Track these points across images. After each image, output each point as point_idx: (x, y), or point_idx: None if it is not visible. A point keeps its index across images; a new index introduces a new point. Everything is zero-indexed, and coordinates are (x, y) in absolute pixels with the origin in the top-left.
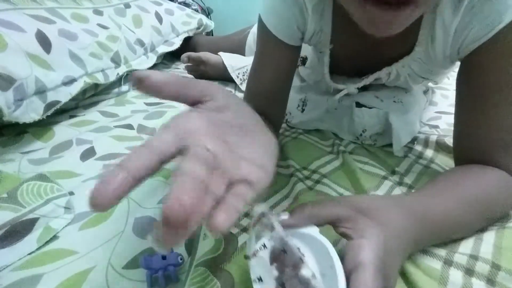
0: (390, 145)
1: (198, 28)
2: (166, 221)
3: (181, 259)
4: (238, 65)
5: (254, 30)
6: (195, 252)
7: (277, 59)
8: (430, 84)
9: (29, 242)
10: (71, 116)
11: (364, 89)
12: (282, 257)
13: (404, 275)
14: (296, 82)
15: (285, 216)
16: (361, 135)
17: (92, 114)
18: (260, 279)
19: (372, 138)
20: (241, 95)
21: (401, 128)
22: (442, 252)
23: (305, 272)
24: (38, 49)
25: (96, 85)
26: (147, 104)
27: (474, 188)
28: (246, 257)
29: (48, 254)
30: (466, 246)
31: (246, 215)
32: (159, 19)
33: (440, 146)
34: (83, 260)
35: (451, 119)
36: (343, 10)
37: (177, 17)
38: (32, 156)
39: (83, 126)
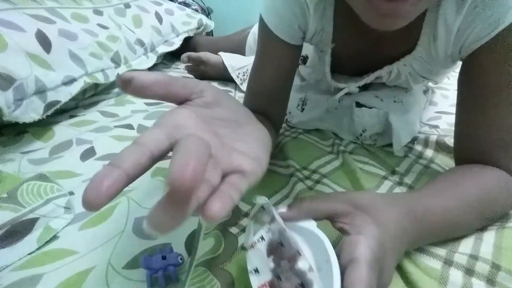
0: (390, 145)
1: (198, 28)
2: (172, 189)
3: (181, 259)
4: (238, 65)
5: (254, 30)
6: (195, 252)
7: (278, 58)
8: (430, 84)
9: (29, 242)
10: (71, 116)
11: (364, 88)
12: (279, 249)
13: (404, 275)
14: (296, 81)
15: (283, 209)
16: (361, 135)
17: (92, 114)
18: (256, 271)
19: (372, 138)
20: (241, 95)
21: (401, 128)
22: (442, 252)
23: (302, 264)
24: (38, 49)
25: (96, 85)
26: (147, 104)
27: (474, 188)
28: (244, 248)
29: (48, 254)
30: (466, 246)
31: (246, 215)
32: (159, 19)
33: (440, 146)
34: (83, 260)
35: (451, 119)
36: (344, 8)
37: (177, 17)
38: (32, 156)
39: (83, 126)
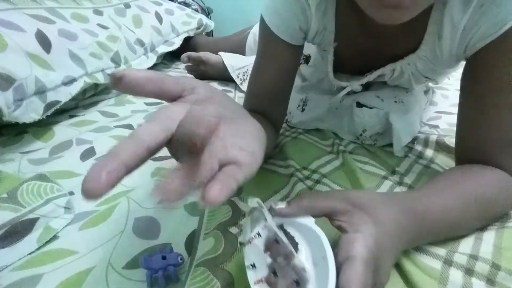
0: (390, 145)
1: (198, 28)
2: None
3: (181, 259)
4: (238, 65)
5: (254, 30)
6: (195, 252)
7: (279, 58)
8: (430, 84)
9: (29, 242)
10: (71, 116)
11: (366, 88)
12: (275, 246)
13: (404, 275)
14: (297, 82)
15: (282, 205)
16: (361, 135)
17: (92, 114)
18: (253, 266)
19: (372, 138)
20: (241, 95)
21: (401, 128)
22: (442, 252)
23: (298, 261)
24: (38, 49)
25: (96, 85)
26: (147, 104)
27: (473, 188)
28: (241, 244)
29: (48, 254)
30: (466, 246)
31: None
32: (159, 19)
33: (440, 146)
34: (83, 260)
35: (451, 119)
36: (346, 7)
37: (177, 17)
38: (32, 156)
39: (83, 126)
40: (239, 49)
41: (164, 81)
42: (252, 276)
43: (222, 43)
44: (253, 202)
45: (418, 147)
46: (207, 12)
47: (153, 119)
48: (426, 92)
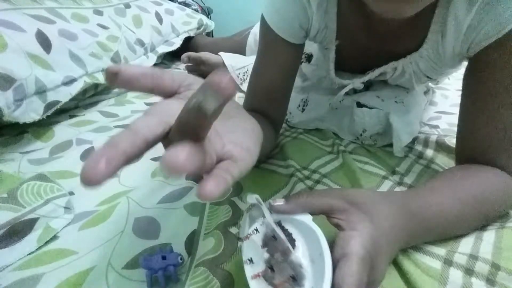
0: (390, 145)
1: (198, 28)
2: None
3: (181, 259)
4: (239, 65)
5: (254, 30)
6: (195, 252)
7: (280, 57)
8: (430, 84)
9: (29, 242)
10: (71, 116)
11: (366, 88)
12: (273, 242)
13: (404, 275)
14: (298, 82)
15: (280, 202)
16: (361, 135)
17: (92, 114)
18: (251, 261)
19: (372, 138)
20: (241, 95)
21: (401, 129)
22: (442, 251)
23: (295, 257)
24: (38, 49)
25: (96, 85)
26: (147, 104)
27: (471, 187)
28: (239, 239)
29: (48, 254)
30: (466, 246)
31: None
32: (159, 19)
33: (440, 146)
34: (83, 260)
35: (451, 119)
36: (348, 4)
37: (177, 17)
38: (32, 156)
39: (83, 126)
40: (240, 49)
41: (160, 77)
42: (249, 270)
43: (222, 43)
44: (252, 198)
45: (418, 147)
46: (207, 12)
47: (151, 112)
48: (426, 93)
